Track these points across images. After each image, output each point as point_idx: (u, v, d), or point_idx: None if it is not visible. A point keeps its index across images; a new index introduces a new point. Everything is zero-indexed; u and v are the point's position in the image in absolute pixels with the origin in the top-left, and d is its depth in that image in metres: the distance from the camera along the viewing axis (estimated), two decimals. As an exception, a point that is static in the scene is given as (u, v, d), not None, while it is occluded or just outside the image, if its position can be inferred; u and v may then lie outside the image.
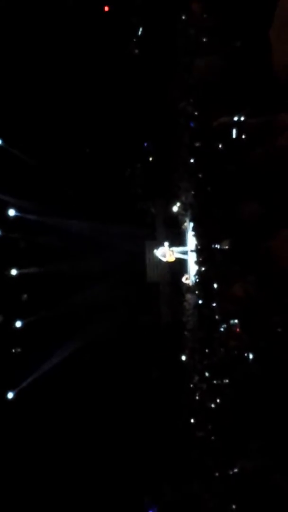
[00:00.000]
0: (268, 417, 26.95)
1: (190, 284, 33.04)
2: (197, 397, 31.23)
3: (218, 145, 30.29)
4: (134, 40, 35.28)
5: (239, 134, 29.35)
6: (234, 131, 29.40)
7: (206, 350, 30.60)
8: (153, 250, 34.33)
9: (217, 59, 30.05)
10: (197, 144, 31.44)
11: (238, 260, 29.38)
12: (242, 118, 29.06)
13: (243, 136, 29.35)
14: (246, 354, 28.49)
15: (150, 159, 36.73)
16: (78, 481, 34.07)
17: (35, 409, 35.56)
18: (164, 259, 33.75)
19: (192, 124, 31.63)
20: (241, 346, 28.74)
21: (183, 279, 33.72)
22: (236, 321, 29.46)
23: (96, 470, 34.06)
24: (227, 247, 29.88)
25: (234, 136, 29.44)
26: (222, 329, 29.83)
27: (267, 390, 27.25)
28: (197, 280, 31.95)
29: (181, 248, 33.78)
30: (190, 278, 33.13)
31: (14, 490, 33.91)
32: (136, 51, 35.37)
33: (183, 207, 33.21)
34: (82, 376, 35.75)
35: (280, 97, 27.60)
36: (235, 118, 29.27)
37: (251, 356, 28.21)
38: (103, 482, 33.69)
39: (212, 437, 29.47)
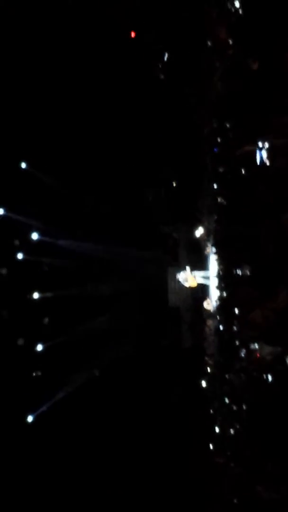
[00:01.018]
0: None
1: (212, 309, 32.96)
2: (216, 423, 31.10)
3: (242, 171, 30.32)
4: (160, 65, 35.39)
5: (264, 159, 29.40)
6: (258, 156, 29.42)
7: (226, 376, 30.51)
8: (175, 275, 34.28)
9: (242, 84, 30.15)
10: (220, 170, 31.50)
11: (258, 286, 29.35)
12: (266, 144, 29.09)
13: (269, 161, 29.39)
14: (266, 379, 28.41)
15: (173, 184, 36.75)
16: (95, 505, 33.90)
17: (54, 433, 35.44)
18: (186, 284, 33.69)
19: (215, 150, 31.69)
20: (261, 371, 28.65)
21: (205, 304, 33.62)
22: (256, 346, 29.38)
23: (112, 494, 33.87)
24: (248, 273, 29.85)
25: (259, 161, 29.46)
26: (242, 355, 29.75)
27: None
28: (219, 306, 31.89)
29: (203, 273, 33.71)
30: (211, 303, 33.04)
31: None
32: (162, 76, 35.46)
33: (206, 232, 33.20)
34: (102, 400, 35.64)
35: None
36: (260, 144, 29.30)
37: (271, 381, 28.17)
38: (119, 507, 33.52)
39: (232, 464, 29.32)
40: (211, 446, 31.36)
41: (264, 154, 29.47)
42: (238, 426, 29.53)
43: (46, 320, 38.03)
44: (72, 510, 33.89)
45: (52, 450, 35.07)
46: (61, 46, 35.05)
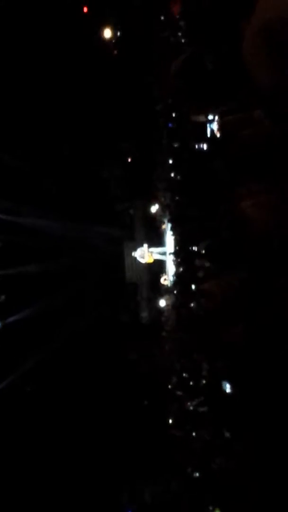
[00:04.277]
0: (248, 417, 27.09)
1: (168, 284, 33.13)
2: (175, 398, 31.32)
3: (196, 146, 30.38)
4: (113, 41, 35.24)
5: (215, 132, 29.51)
6: (210, 129, 29.54)
7: (184, 352, 30.71)
8: (131, 251, 34.39)
9: (194, 61, 30.13)
10: (175, 145, 31.52)
11: (214, 261, 29.51)
12: (217, 117, 29.21)
13: (219, 134, 29.48)
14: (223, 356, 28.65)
15: (129, 160, 36.75)
16: (53, 481, 34.02)
17: (13, 409, 35.49)
18: (142, 260, 33.84)
19: (170, 125, 31.70)
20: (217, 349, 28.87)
21: (161, 280, 33.80)
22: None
23: (73, 469, 34.04)
24: (204, 249, 30.00)
25: (210, 134, 29.58)
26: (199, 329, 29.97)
27: (246, 391, 27.38)
28: (175, 281, 32.03)
29: (159, 249, 33.87)
30: (168, 278, 33.21)
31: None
32: (115, 51, 35.32)
33: (162, 208, 33.29)
34: (60, 376, 35.71)
35: (254, 96, 27.76)
36: (211, 116, 29.42)
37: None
38: (80, 481, 33.70)
39: (190, 437, 29.58)
40: (169, 420, 31.60)
41: (215, 126, 29.65)
42: (195, 401, 29.77)
43: (2, 297, 37.83)
44: (32, 483, 34.07)
45: (12, 426, 35.11)
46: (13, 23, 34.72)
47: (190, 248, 30.73)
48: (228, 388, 28.31)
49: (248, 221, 26.55)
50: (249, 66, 26.66)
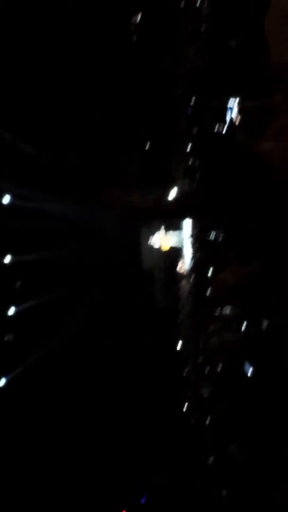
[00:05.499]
0: (262, 406, 27.05)
1: (185, 270, 33.08)
2: (190, 384, 31.35)
3: (214, 132, 30.34)
4: (133, 26, 35.02)
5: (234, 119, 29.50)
6: (229, 114, 29.50)
7: (200, 338, 30.75)
8: (148, 236, 34.25)
9: (214, 47, 30.17)
10: (194, 131, 31.48)
11: (231, 246, 29.50)
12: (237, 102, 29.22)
13: (240, 120, 29.47)
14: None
15: (147, 145, 36.55)
16: (68, 466, 34.06)
17: (26, 396, 35.44)
18: (159, 246, 33.75)
19: (189, 110, 31.63)
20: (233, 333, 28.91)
21: (178, 267, 33.72)
22: (229, 309, 29.63)
23: (86, 455, 34.05)
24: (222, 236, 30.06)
25: (229, 120, 29.57)
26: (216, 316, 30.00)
27: (261, 379, 27.35)
28: (192, 267, 32.03)
29: (176, 236, 33.75)
30: (185, 264, 33.16)
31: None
32: (135, 38, 35.09)
33: (180, 195, 33.20)
34: (74, 364, 35.64)
35: (273, 82, 27.77)
36: (231, 102, 29.39)
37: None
38: (93, 467, 33.70)
39: (205, 424, 29.62)
40: (184, 407, 31.62)
41: (235, 113, 29.59)
42: (211, 388, 29.78)
43: (18, 283, 37.70)
44: (45, 468, 34.13)
45: (24, 414, 35.09)
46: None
47: (207, 236, 30.77)
48: (248, 371, 28.39)
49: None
50: (272, 44, 26.69)
